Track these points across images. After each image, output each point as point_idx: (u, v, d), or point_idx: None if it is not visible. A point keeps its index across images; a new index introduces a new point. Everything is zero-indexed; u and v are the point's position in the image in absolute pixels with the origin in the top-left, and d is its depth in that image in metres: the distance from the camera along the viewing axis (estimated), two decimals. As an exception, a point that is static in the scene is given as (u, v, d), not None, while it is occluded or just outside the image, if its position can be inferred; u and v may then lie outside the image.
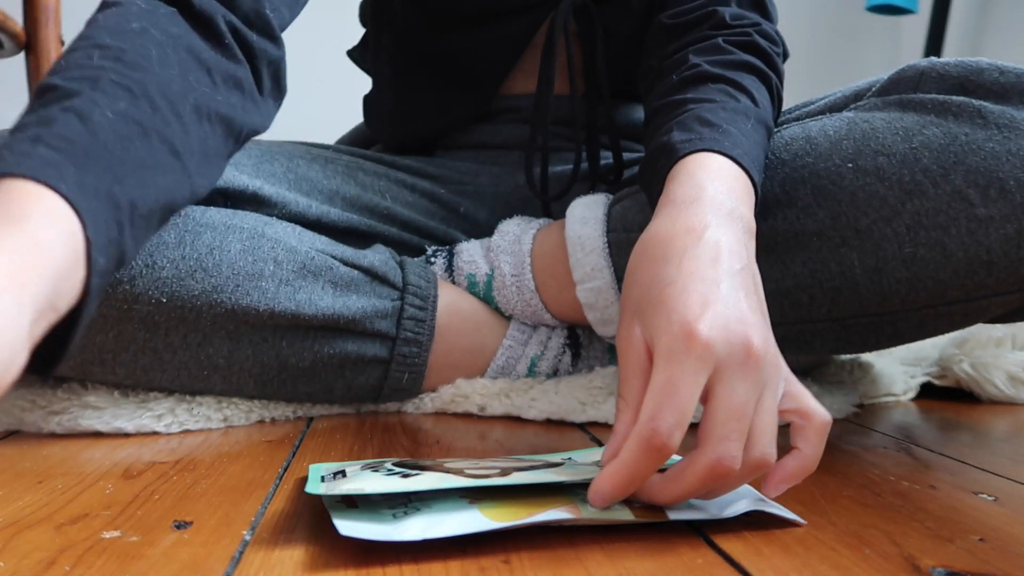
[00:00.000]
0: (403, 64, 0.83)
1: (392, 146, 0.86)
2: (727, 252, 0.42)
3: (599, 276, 0.65)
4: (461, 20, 0.77)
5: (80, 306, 0.38)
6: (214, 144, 0.51)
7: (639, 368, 0.39)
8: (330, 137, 0.95)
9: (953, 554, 0.36)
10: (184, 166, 0.47)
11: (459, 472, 0.41)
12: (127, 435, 0.59)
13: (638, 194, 0.66)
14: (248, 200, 0.65)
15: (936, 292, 0.55)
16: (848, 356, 0.82)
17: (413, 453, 0.54)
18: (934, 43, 1.81)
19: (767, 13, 0.70)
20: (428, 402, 0.68)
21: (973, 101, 0.55)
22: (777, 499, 0.42)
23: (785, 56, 0.70)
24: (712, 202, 0.45)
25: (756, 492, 0.41)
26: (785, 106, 0.67)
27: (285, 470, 0.50)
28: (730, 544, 0.37)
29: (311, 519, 0.40)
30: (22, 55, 1.18)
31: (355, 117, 0.99)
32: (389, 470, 0.42)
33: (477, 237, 0.75)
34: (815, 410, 0.40)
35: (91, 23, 0.50)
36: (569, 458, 0.46)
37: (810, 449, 0.40)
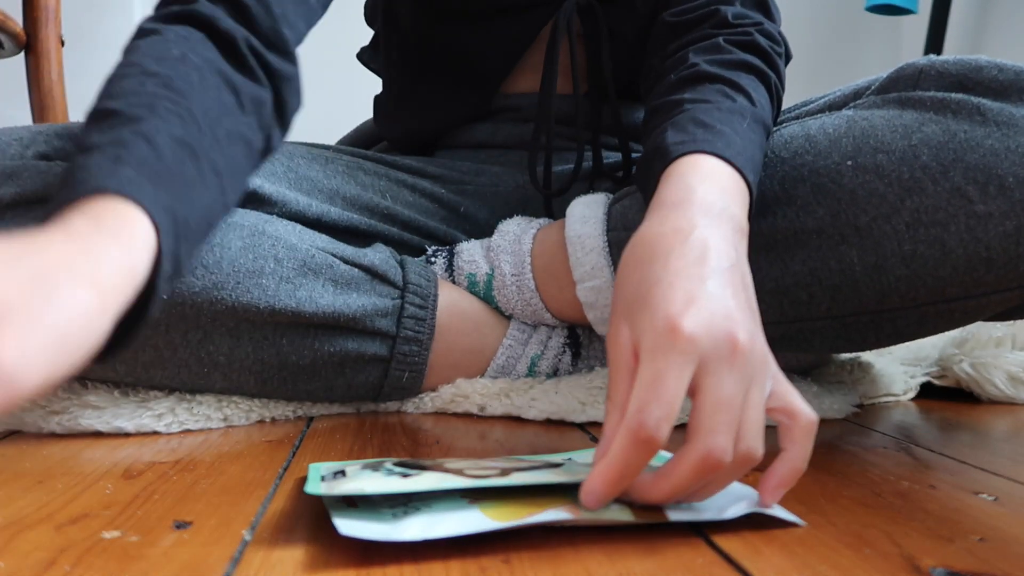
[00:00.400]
0: (408, 61, 0.83)
1: (397, 143, 0.87)
2: (714, 251, 0.42)
3: (599, 275, 0.65)
4: (465, 16, 0.77)
5: (143, 306, 0.40)
6: (241, 164, 0.53)
7: (626, 369, 0.39)
8: (330, 138, 0.95)
9: (953, 554, 0.36)
10: (222, 185, 0.49)
11: (459, 472, 0.41)
12: (127, 435, 0.59)
13: (638, 193, 0.66)
14: (248, 198, 0.65)
15: (936, 289, 0.55)
16: (848, 356, 0.82)
17: (413, 453, 0.54)
18: (934, 43, 1.81)
19: (770, 13, 0.70)
20: (428, 402, 0.68)
21: (972, 98, 0.55)
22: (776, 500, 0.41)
23: (788, 57, 0.70)
24: (702, 203, 0.46)
25: (756, 492, 0.41)
26: (784, 106, 0.67)
27: (285, 470, 0.50)
28: (730, 544, 0.37)
29: (311, 519, 0.40)
30: (22, 55, 1.18)
31: (355, 118, 0.99)
32: (389, 470, 0.42)
33: (477, 237, 0.75)
34: (801, 409, 0.40)
35: (133, 50, 0.51)
36: (569, 458, 0.46)
37: (797, 450, 0.39)
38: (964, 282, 0.55)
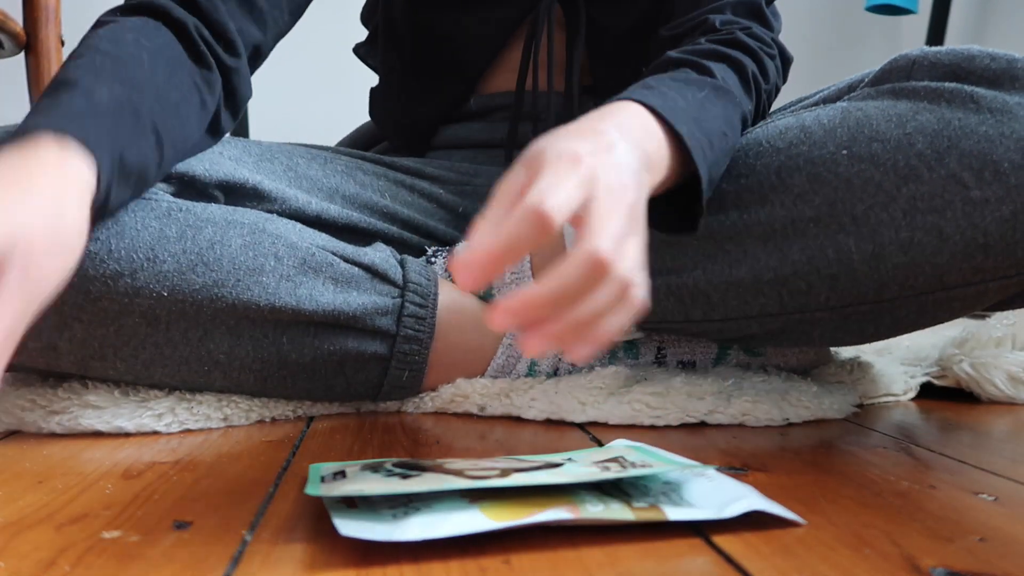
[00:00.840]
0: (399, 52, 0.85)
1: (391, 138, 0.88)
2: (621, 146, 0.43)
3: None
4: (448, 3, 0.79)
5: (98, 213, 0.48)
6: (185, 135, 0.59)
7: (511, 194, 0.39)
8: (330, 139, 0.96)
9: (953, 554, 0.36)
10: (161, 146, 0.55)
11: (459, 473, 0.41)
12: (127, 435, 0.59)
13: None
14: (248, 194, 0.65)
15: (934, 277, 0.55)
16: (848, 356, 0.82)
17: (413, 453, 0.54)
18: (934, 43, 1.81)
19: (766, 21, 0.70)
20: (428, 402, 0.68)
21: (965, 87, 0.55)
22: (776, 499, 0.41)
23: (786, 60, 0.70)
24: (620, 124, 0.47)
25: (756, 492, 0.41)
26: (782, 104, 0.68)
27: (285, 470, 0.50)
28: (730, 544, 0.37)
29: (311, 519, 0.40)
30: (22, 55, 1.18)
31: (355, 119, 0.99)
32: (389, 471, 0.42)
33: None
34: (600, 246, 0.37)
35: (90, 36, 0.57)
36: (569, 458, 0.46)
37: (558, 271, 0.36)
38: (962, 269, 0.55)
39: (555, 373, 0.71)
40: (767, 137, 0.60)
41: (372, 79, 0.93)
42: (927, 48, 0.60)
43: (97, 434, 0.59)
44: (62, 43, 1.20)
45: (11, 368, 0.63)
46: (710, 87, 0.57)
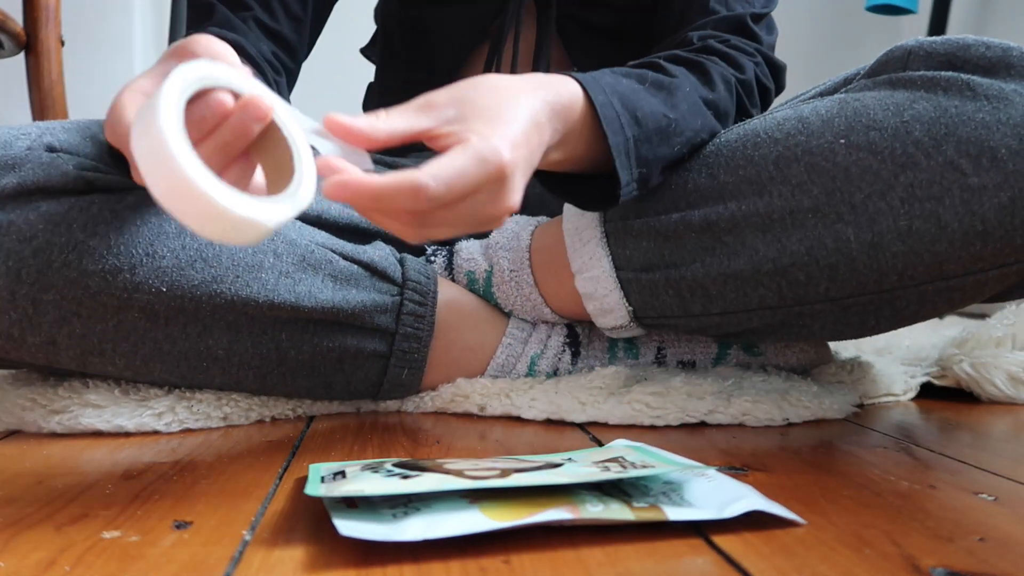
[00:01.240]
0: (388, 44, 0.87)
1: None
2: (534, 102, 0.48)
3: (597, 265, 0.65)
4: None
5: None
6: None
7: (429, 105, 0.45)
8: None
9: (953, 554, 0.36)
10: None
11: (459, 473, 0.41)
12: (127, 435, 0.59)
13: None
14: None
15: (933, 266, 0.56)
16: (848, 356, 0.82)
17: (413, 453, 0.54)
18: (934, 43, 1.81)
19: (751, 35, 0.71)
20: (428, 401, 0.68)
21: (961, 75, 0.56)
22: (776, 499, 0.42)
23: (777, 69, 0.71)
24: (535, 78, 0.52)
25: (756, 492, 0.41)
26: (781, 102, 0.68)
27: (285, 470, 0.50)
28: (730, 544, 0.37)
29: (311, 519, 0.40)
30: (22, 55, 1.18)
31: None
32: (389, 471, 0.42)
33: (476, 236, 0.75)
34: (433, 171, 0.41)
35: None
36: (569, 458, 0.46)
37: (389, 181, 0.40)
38: (961, 257, 0.55)
39: (555, 373, 0.71)
40: (765, 129, 0.61)
41: (371, 79, 0.94)
42: (922, 39, 0.60)
43: (97, 434, 0.59)
44: (62, 43, 1.20)
45: (11, 366, 0.63)
46: (652, 79, 0.59)
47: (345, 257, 0.64)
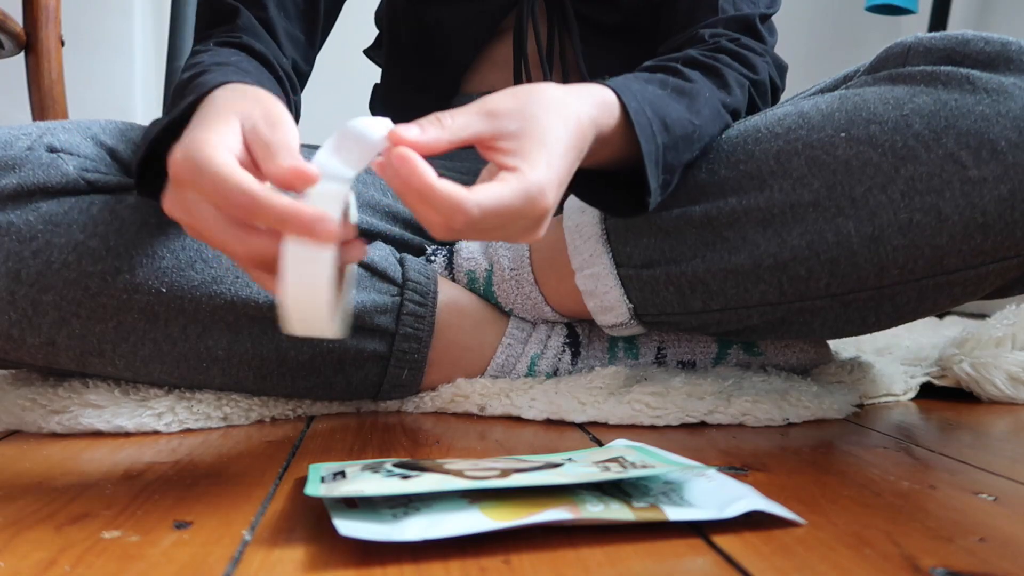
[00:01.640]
0: (395, 41, 0.87)
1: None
2: (576, 122, 0.48)
3: (597, 262, 0.65)
4: None
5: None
6: None
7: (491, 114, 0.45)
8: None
9: (953, 554, 0.36)
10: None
11: (459, 473, 0.41)
12: (127, 435, 0.59)
13: None
14: None
15: (934, 259, 0.56)
16: (848, 356, 0.82)
17: (413, 453, 0.54)
18: (934, 43, 1.81)
19: (758, 36, 0.71)
20: (428, 401, 0.68)
21: (961, 69, 0.56)
22: (776, 499, 0.42)
23: (780, 68, 0.71)
24: (576, 88, 0.52)
25: (756, 492, 0.41)
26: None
27: (285, 470, 0.50)
28: (730, 544, 0.37)
29: (311, 519, 0.40)
30: (22, 55, 1.18)
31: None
32: (389, 471, 0.42)
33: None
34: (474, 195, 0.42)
35: (190, 60, 0.62)
36: (569, 458, 0.46)
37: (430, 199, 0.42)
38: (962, 251, 0.55)
39: (555, 373, 0.71)
40: (765, 124, 0.61)
41: (375, 80, 0.94)
42: (922, 35, 0.60)
43: (97, 434, 0.59)
44: (62, 43, 1.20)
45: (11, 366, 0.63)
46: (673, 85, 0.59)
47: (345, 257, 0.64)
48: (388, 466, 0.43)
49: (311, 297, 0.39)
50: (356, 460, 0.49)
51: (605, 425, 0.64)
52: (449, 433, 0.61)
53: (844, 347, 0.91)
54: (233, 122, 0.45)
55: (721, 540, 0.37)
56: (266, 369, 0.62)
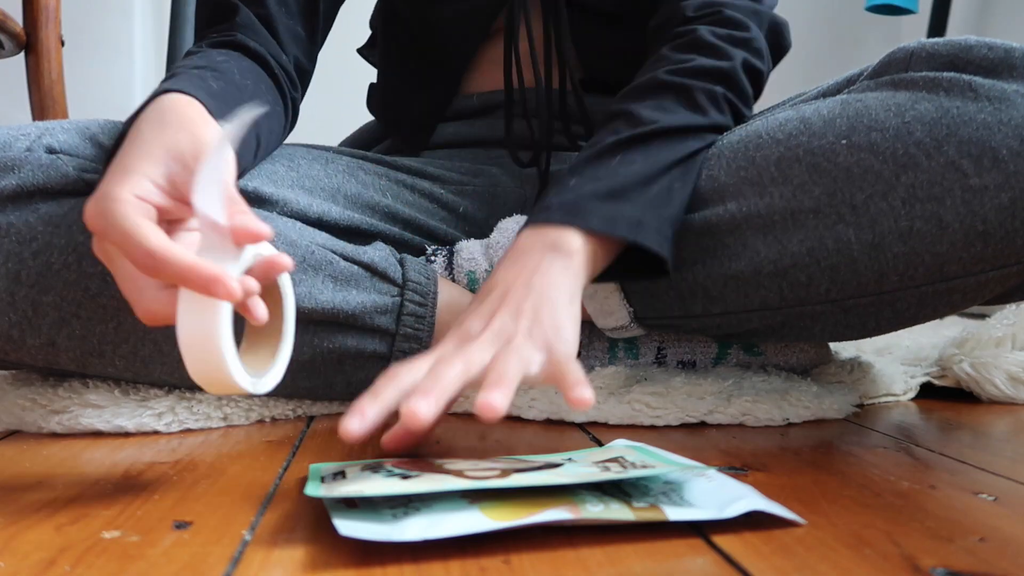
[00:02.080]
0: (394, 40, 0.87)
1: (389, 135, 0.88)
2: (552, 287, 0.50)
3: None
4: None
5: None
6: (272, 130, 0.67)
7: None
8: (331, 140, 0.96)
9: (953, 554, 0.36)
10: (259, 139, 0.63)
11: (459, 473, 0.41)
12: (127, 435, 0.59)
13: None
14: (249, 199, 0.65)
15: (934, 267, 0.56)
16: (848, 356, 0.82)
17: (413, 453, 0.54)
18: (934, 43, 1.81)
19: None
20: (428, 402, 0.68)
21: (963, 76, 0.56)
22: (776, 499, 0.42)
23: (777, 31, 0.71)
24: (552, 244, 0.53)
25: (756, 492, 0.41)
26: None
27: (285, 470, 0.50)
28: (730, 544, 0.37)
29: (311, 519, 0.40)
30: (22, 55, 1.18)
31: (355, 119, 0.99)
32: (389, 471, 0.42)
33: (477, 237, 0.75)
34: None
35: (182, 61, 0.63)
36: (569, 458, 0.46)
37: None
38: (962, 258, 0.55)
39: (555, 373, 0.71)
40: (766, 129, 0.61)
41: (372, 79, 0.93)
42: (924, 40, 0.60)
43: (97, 434, 0.59)
44: (62, 43, 1.20)
45: (11, 367, 0.63)
46: (671, 162, 0.59)
47: (345, 258, 0.64)
48: (388, 466, 0.43)
49: (205, 353, 0.41)
50: (356, 460, 0.49)
51: (605, 425, 0.64)
52: (449, 433, 0.61)
53: (844, 347, 0.91)
54: (152, 165, 0.45)
55: (721, 540, 0.37)
56: (266, 369, 0.62)
